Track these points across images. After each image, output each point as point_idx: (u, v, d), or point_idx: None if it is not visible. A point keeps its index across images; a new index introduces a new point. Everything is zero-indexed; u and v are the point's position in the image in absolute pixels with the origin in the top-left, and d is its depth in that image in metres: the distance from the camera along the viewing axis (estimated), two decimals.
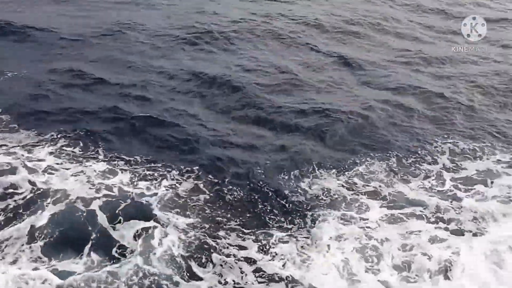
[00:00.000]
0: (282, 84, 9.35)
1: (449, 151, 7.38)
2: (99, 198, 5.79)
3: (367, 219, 5.79)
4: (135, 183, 6.23)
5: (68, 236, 5.31)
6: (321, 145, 7.35)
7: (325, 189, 6.33)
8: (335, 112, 8.13)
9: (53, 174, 6.16)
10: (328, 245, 5.34)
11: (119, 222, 5.53)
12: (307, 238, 5.50)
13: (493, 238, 5.58)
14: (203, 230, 5.56)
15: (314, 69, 10.25)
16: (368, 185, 6.44)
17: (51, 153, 6.62)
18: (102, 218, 5.53)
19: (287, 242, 5.41)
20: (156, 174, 6.46)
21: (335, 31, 12.57)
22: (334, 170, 6.74)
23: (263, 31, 12.02)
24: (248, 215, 5.86)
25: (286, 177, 6.56)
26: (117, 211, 5.67)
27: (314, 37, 12.08)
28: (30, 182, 5.91)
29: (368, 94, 9.12)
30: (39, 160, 6.37)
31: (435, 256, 5.28)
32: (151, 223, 5.56)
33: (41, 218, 5.44)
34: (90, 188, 5.94)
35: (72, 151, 6.74)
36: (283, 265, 5.11)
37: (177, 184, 6.30)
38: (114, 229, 5.44)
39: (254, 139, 7.42)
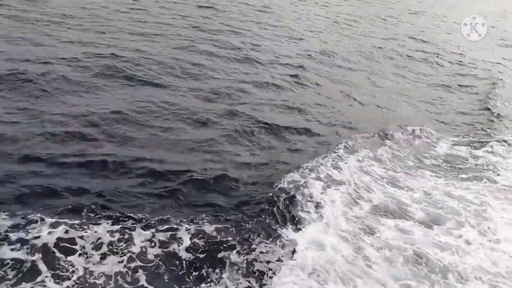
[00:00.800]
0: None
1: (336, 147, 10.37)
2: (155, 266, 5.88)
3: (315, 193, 8.28)
4: (161, 243, 6.29)
5: None
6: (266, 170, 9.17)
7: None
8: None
9: (87, 262, 5.73)
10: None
11: None
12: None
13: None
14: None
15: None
16: (313, 174, 8.93)
17: (50, 233, 5.99)
18: None
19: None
20: (168, 226, 6.64)
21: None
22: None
23: None
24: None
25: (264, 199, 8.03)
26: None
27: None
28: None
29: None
30: (43, 249, 5.74)
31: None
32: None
33: None
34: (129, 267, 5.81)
35: (71, 222, 6.31)
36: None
37: (202, 228, 6.81)
38: None
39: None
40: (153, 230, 6.47)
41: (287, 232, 7.17)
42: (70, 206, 6.73)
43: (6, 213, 6.34)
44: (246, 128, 10.87)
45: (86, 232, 6.17)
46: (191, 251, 6.32)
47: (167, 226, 6.65)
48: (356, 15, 28.06)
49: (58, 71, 12.14)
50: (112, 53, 13.94)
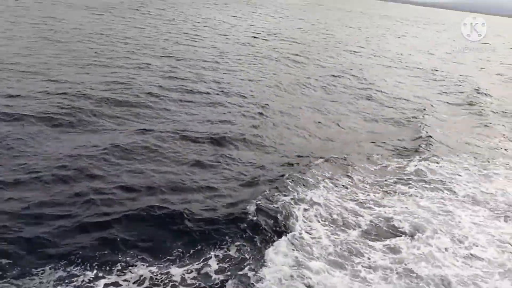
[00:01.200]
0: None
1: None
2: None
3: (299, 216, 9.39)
4: (196, 270, 7.14)
5: None
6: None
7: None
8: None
9: None
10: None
11: None
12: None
13: None
14: None
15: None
16: (297, 198, 10.10)
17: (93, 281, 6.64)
18: None
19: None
20: (198, 256, 7.53)
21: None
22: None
23: None
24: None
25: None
26: None
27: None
28: None
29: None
30: None
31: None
32: None
33: None
34: None
35: (109, 269, 6.99)
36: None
37: (227, 253, 7.77)
38: None
39: None
40: (187, 264, 7.32)
41: (277, 253, 7.91)
42: (103, 253, 7.37)
43: (50, 266, 6.93)
44: (231, 162, 11.98)
45: (127, 274, 6.90)
46: (219, 272, 7.27)
47: (198, 257, 7.55)
48: (302, 55, 30.63)
49: (34, 124, 12.57)
50: (84, 104, 14.48)
